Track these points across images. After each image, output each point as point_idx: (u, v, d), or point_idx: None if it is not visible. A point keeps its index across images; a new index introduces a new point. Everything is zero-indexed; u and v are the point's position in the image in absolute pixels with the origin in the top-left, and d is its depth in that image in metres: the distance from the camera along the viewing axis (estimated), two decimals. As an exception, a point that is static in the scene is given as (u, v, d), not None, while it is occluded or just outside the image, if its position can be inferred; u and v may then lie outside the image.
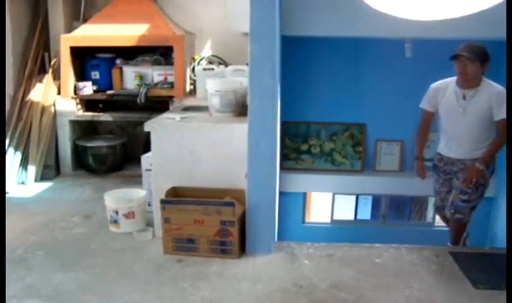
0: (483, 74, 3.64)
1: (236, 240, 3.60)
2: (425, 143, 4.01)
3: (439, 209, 4.09)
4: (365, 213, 4.94)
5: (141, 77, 5.65)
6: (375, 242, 3.92)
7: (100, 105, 5.84)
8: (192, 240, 3.65)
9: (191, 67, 5.73)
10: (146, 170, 4.45)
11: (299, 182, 4.65)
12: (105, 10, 5.76)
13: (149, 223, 4.12)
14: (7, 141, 5.27)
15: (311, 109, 4.60)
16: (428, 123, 3.94)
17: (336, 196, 4.86)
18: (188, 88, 5.73)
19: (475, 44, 3.60)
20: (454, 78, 3.71)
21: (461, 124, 3.70)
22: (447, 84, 3.76)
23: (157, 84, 5.64)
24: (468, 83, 3.62)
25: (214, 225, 3.59)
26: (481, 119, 3.64)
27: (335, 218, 4.88)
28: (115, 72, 5.73)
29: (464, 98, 3.65)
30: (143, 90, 5.47)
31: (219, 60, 5.75)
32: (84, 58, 5.73)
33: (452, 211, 3.84)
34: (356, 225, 4.90)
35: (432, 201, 4.84)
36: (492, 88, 3.62)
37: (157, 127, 3.93)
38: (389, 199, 4.84)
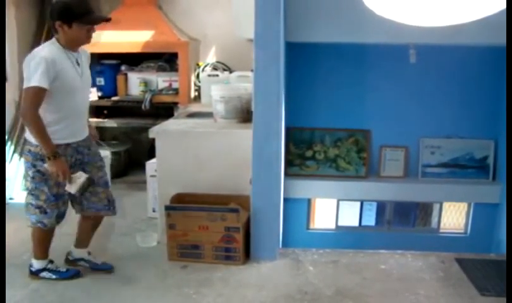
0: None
1: (240, 247, 3.60)
2: None
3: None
4: (370, 219, 4.92)
5: (146, 83, 5.67)
6: (380, 248, 3.92)
7: (105, 111, 5.85)
8: (197, 247, 3.65)
9: (196, 73, 5.75)
10: (151, 176, 4.46)
11: (304, 188, 4.64)
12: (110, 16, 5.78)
13: (154, 230, 4.12)
14: (12, 147, 5.29)
15: (316, 115, 4.59)
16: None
17: (341, 202, 4.84)
18: (193, 94, 5.74)
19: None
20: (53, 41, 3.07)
21: (83, 95, 3.26)
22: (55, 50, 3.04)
23: (161, 90, 5.66)
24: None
25: (219, 231, 3.59)
26: None
27: (339, 224, 4.86)
28: (120, 79, 5.75)
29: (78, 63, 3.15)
30: (147, 96, 5.49)
31: (224, 67, 5.76)
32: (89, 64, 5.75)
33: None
34: (360, 231, 4.88)
35: (436, 207, 4.83)
36: None
37: (162, 133, 3.94)
38: (394, 205, 4.83)
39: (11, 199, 5.09)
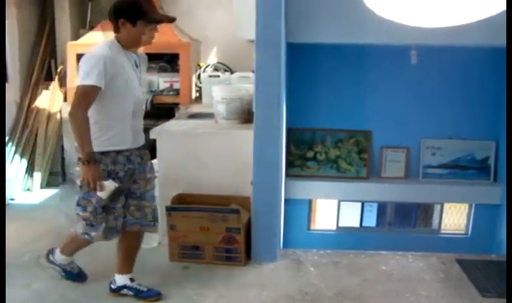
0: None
1: (241, 247, 3.60)
2: None
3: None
4: (371, 220, 4.92)
5: (147, 84, 5.67)
6: (381, 249, 3.92)
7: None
8: (198, 247, 3.65)
9: (197, 74, 5.75)
10: (152, 176, 4.45)
11: (305, 189, 4.64)
12: (111, 17, 5.78)
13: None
14: (13, 148, 5.30)
15: (317, 116, 4.59)
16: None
17: (342, 203, 4.84)
18: (194, 95, 5.74)
19: None
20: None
21: (140, 99, 3.11)
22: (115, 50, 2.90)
23: (162, 91, 5.65)
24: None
25: (220, 232, 3.59)
26: None
27: (340, 225, 4.86)
28: (121, 79, 5.74)
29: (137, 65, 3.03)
30: (148, 97, 5.48)
31: (225, 67, 5.76)
32: (90, 65, 5.74)
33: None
34: (361, 232, 4.88)
35: (437, 208, 4.83)
36: None
37: (163, 134, 3.94)
38: (395, 206, 4.83)
39: (11, 199, 5.09)
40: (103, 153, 2.88)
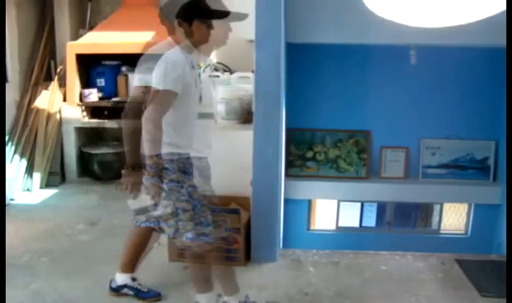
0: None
1: (241, 248, 3.60)
2: None
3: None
4: (370, 220, 4.92)
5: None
6: (381, 249, 3.92)
7: (106, 112, 5.85)
8: (197, 247, 3.64)
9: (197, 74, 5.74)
10: (152, 176, 4.44)
11: (304, 189, 4.64)
12: (111, 18, 5.79)
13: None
14: (12, 148, 5.29)
15: (316, 116, 4.59)
16: None
17: (341, 203, 4.85)
18: (193, 95, 5.73)
19: None
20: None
21: (197, 105, 2.90)
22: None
23: (162, 91, 5.64)
24: None
25: (219, 232, 3.58)
26: None
27: (340, 225, 4.86)
28: (120, 80, 5.74)
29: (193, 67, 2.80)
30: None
31: (224, 68, 5.75)
32: (90, 65, 5.76)
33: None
34: (361, 232, 4.88)
35: (437, 208, 4.83)
36: None
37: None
38: (394, 206, 4.83)
39: (11, 199, 5.09)
40: (180, 155, 2.70)
